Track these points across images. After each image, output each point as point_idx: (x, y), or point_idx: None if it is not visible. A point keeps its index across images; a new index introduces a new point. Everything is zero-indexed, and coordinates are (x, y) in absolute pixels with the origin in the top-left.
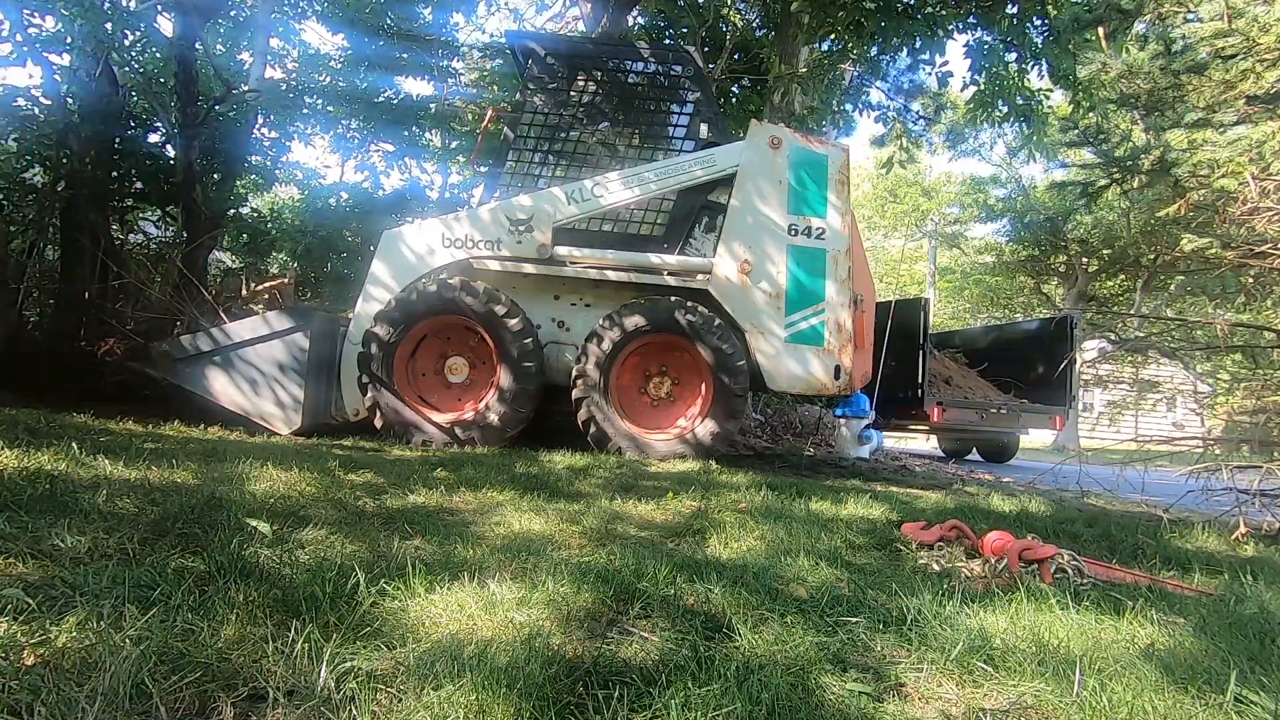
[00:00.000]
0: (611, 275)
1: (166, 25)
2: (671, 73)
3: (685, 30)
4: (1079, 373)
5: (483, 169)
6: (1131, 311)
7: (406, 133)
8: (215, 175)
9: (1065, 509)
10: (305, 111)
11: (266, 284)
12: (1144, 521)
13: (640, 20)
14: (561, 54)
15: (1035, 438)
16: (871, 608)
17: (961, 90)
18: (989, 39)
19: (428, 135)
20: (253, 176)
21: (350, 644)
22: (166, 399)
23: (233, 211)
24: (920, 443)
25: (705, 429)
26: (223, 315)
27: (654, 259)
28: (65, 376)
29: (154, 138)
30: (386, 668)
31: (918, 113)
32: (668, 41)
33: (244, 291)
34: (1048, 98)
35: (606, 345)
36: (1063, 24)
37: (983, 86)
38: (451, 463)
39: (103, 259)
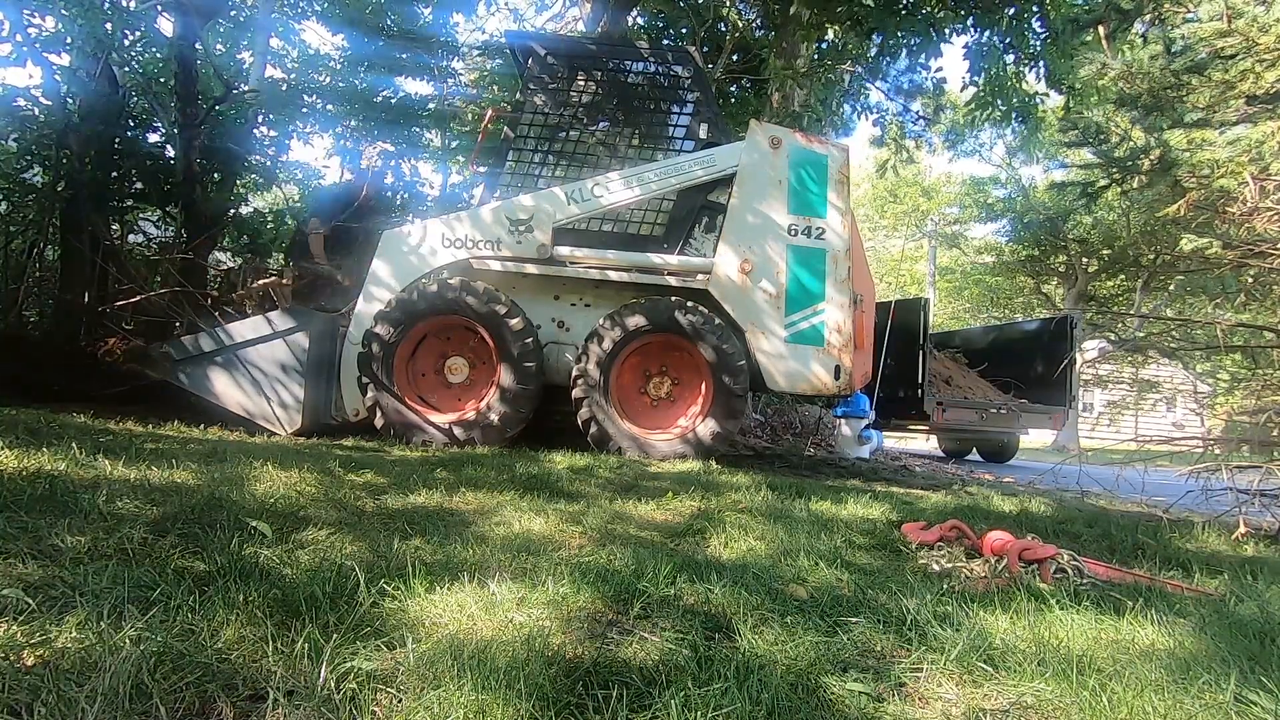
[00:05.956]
0: (612, 275)
1: (166, 25)
2: (671, 73)
3: (685, 30)
4: (1079, 373)
5: (483, 169)
6: (1131, 311)
7: (406, 133)
8: (215, 175)
9: (1065, 509)
10: (305, 111)
11: (262, 282)
12: (1144, 521)
13: (640, 20)
14: (561, 54)
15: (1035, 438)
16: (872, 608)
17: (961, 90)
18: (989, 39)
19: (427, 135)
20: (253, 176)
21: (350, 644)
22: (166, 399)
23: (233, 211)
24: (920, 443)
25: (706, 429)
26: (219, 316)
27: (654, 259)
28: (65, 376)
29: (154, 138)
30: (386, 668)
31: (917, 113)
32: (667, 42)
33: (239, 290)
34: (1046, 99)
35: (607, 345)
36: (1061, 24)
37: (981, 88)
38: (452, 463)
39: (102, 260)
